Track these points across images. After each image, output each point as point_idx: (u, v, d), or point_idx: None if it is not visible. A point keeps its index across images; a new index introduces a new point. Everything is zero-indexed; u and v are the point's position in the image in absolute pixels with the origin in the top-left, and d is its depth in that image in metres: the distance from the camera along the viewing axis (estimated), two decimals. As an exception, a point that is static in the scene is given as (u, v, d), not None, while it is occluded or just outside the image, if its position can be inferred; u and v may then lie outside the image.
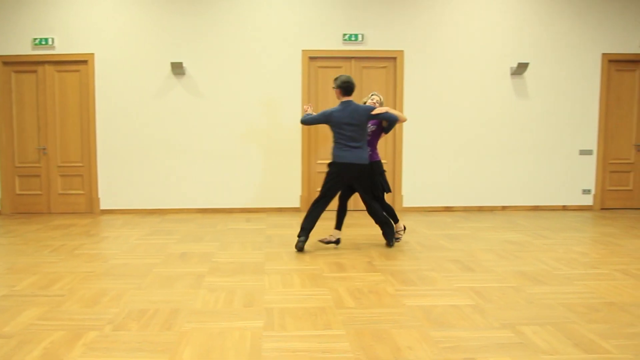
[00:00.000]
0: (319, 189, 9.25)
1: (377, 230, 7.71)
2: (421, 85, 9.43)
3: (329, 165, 6.51)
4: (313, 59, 9.35)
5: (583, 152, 9.81)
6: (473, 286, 5.02)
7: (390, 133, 9.44)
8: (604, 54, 9.75)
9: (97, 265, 5.76)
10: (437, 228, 7.96)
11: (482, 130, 9.59)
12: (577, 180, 9.85)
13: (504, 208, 9.73)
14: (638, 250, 6.68)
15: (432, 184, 9.57)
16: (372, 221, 8.42)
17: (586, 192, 9.89)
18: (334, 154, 6.42)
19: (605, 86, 9.79)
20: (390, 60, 9.46)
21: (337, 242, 6.72)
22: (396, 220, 6.89)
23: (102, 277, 5.32)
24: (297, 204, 9.43)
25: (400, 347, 3.60)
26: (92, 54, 9.14)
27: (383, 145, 9.48)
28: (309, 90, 9.34)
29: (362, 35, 9.29)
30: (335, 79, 6.52)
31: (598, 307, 4.48)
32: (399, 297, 4.68)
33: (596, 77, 9.77)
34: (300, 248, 6.41)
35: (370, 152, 6.60)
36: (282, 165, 9.37)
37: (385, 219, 6.69)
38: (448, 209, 9.60)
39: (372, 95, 6.80)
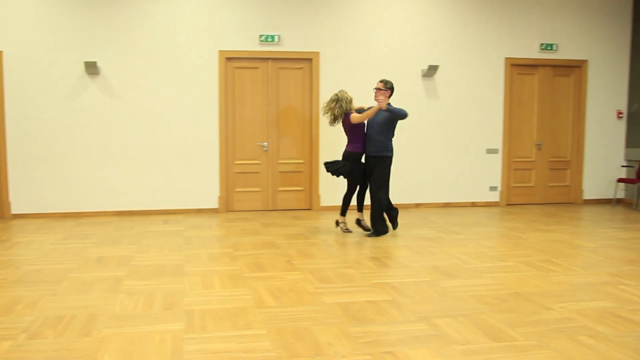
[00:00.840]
0: (238, 189, 9.23)
1: (295, 230, 7.76)
2: (337, 86, 9.53)
3: (390, 160, 7.29)
4: (230, 59, 9.29)
5: (489, 151, 10.18)
6: (389, 282, 5.13)
7: (307, 134, 9.51)
8: (507, 58, 10.15)
9: (9, 272, 5.54)
10: (353, 226, 8.06)
11: (397, 130, 9.78)
12: (485, 178, 10.21)
13: (417, 205, 9.97)
14: (540, 242, 6.99)
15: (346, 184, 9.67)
16: (290, 221, 8.47)
17: (493, 189, 10.27)
18: (391, 147, 7.28)
19: (508, 89, 10.20)
20: (307, 62, 9.52)
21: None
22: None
23: (15, 284, 5.12)
24: (215, 205, 9.35)
25: (321, 343, 3.64)
26: (1, 51, 8.75)
27: (300, 145, 9.54)
28: (226, 91, 9.27)
29: (279, 37, 9.31)
30: (386, 82, 7.23)
31: (505, 298, 4.67)
32: (318, 294, 4.73)
33: (500, 80, 10.16)
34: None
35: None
36: (200, 166, 9.26)
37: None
38: (364, 208, 9.74)
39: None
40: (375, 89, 7.27)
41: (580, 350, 3.57)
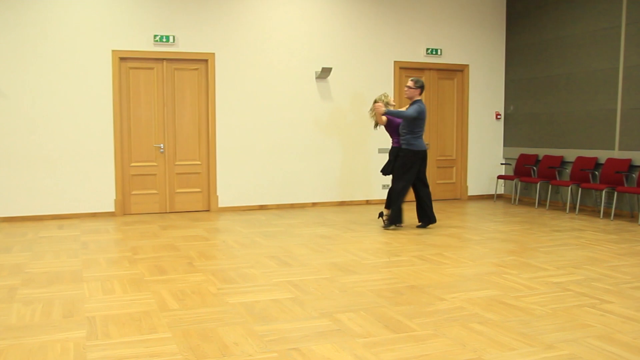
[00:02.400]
0: (135, 191, 8.99)
1: (194, 231, 7.65)
2: (233, 87, 9.49)
3: (410, 153, 7.64)
4: (124, 59, 9.02)
5: (382, 151, 10.42)
6: (291, 280, 5.17)
7: (204, 135, 9.40)
8: (396, 62, 10.46)
9: None
10: (252, 226, 8.06)
11: (292, 130, 9.86)
12: (378, 177, 10.39)
13: (314, 204, 10.08)
14: (431, 237, 7.27)
15: (246, 184, 9.67)
16: (189, 222, 8.34)
17: (385, 187, 10.51)
18: (418, 144, 7.65)
19: (398, 91, 10.49)
20: (202, 62, 9.40)
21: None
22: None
23: None
24: (111, 208, 9.04)
25: (227, 343, 3.62)
26: None
27: (197, 146, 9.41)
28: (121, 92, 8.99)
29: (174, 37, 9.13)
30: (416, 81, 7.71)
31: (402, 291, 4.82)
32: (222, 295, 4.70)
33: (390, 82, 10.45)
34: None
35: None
36: (94, 169, 8.92)
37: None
38: (262, 208, 9.76)
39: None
40: (406, 87, 7.80)
41: (472, 336, 3.75)
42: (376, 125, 8.10)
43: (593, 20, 9.53)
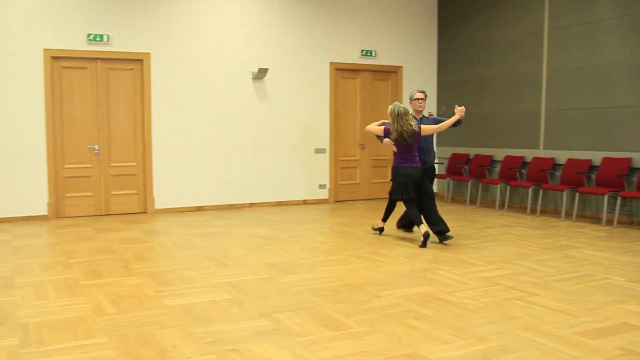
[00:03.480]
0: (69, 194, 8.75)
1: (130, 234, 7.50)
2: (169, 88, 9.34)
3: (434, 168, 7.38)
4: (56, 58, 8.74)
5: (318, 151, 10.49)
6: (229, 281, 5.14)
7: (139, 136, 9.23)
8: (331, 63, 10.52)
9: None
10: (190, 228, 7.96)
11: (229, 131, 9.79)
12: (314, 176, 10.51)
13: (251, 205, 10.03)
14: (367, 236, 7.34)
15: (183, 185, 9.53)
16: (125, 225, 8.18)
17: (322, 186, 10.60)
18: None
19: (333, 91, 10.57)
20: (137, 62, 9.21)
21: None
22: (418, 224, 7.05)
23: None
24: (44, 212, 8.76)
25: (166, 346, 3.57)
26: None
27: (133, 147, 9.22)
28: (53, 92, 8.71)
29: (108, 36, 8.91)
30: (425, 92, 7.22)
31: (339, 289, 4.86)
32: (159, 298, 4.62)
33: (326, 83, 10.51)
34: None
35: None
36: (26, 171, 8.61)
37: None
38: (200, 209, 9.65)
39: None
40: (420, 99, 7.11)
41: (408, 331, 3.81)
42: (411, 136, 6.76)
43: (519, 25, 9.83)
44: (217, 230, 7.78)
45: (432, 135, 7.11)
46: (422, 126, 6.78)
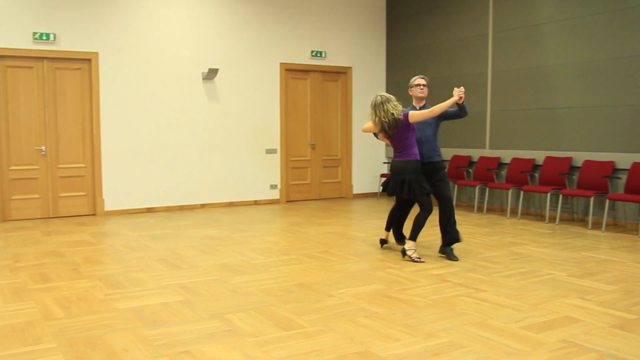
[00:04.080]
0: (15, 196, 8.51)
1: (79, 236, 7.34)
2: (118, 88, 9.17)
3: (443, 163, 6.26)
4: (1, 57, 8.46)
5: (269, 151, 10.46)
6: (180, 282, 5.08)
7: (88, 137, 9.04)
8: (282, 63, 10.51)
9: None
10: (141, 229, 7.84)
11: (179, 132, 9.67)
12: (266, 177, 10.48)
13: (202, 206, 9.94)
14: (318, 235, 7.36)
15: (133, 186, 9.37)
16: (73, 227, 8.00)
17: (273, 187, 10.58)
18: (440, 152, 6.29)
19: (284, 92, 10.57)
20: (85, 62, 9.01)
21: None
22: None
23: None
24: (-12, 215, 8.51)
25: (116, 350, 3.51)
26: None
27: (81, 148, 9.02)
28: (-4, 95, 8.48)
29: (54, 35, 8.68)
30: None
31: (291, 289, 4.86)
32: (110, 301, 4.54)
33: (276, 83, 10.49)
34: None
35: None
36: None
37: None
38: (150, 210, 9.50)
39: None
40: (421, 85, 6.16)
41: (359, 330, 3.84)
42: (393, 127, 5.90)
43: (464, 27, 10.01)
44: (168, 231, 7.69)
45: (433, 125, 6.13)
46: (410, 112, 5.85)
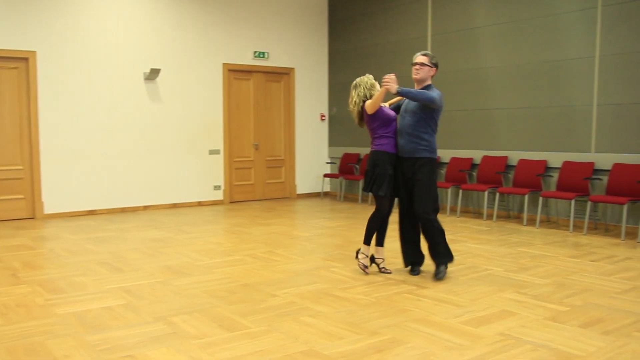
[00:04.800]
0: None
1: (18, 240, 7.11)
2: (57, 88, 8.90)
3: (434, 162, 5.22)
4: None
5: (212, 152, 10.37)
6: (123, 286, 4.99)
7: (25, 138, 8.75)
8: (224, 64, 10.43)
9: None
10: (82, 232, 7.66)
11: (121, 133, 9.47)
12: (209, 178, 10.38)
13: (145, 208, 9.77)
14: (262, 236, 7.35)
15: (74, 189, 9.13)
16: (12, 231, 7.75)
17: (217, 188, 10.49)
18: (432, 146, 5.18)
19: (227, 92, 10.49)
20: (22, 61, 8.70)
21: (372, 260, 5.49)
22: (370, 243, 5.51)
23: None
24: None
25: (57, 357, 3.42)
26: None
27: (19, 149, 8.73)
28: None
29: (-12, 38, 8.40)
30: (432, 56, 5.31)
31: (235, 290, 4.84)
32: (50, 306, 4.42)
33: (219, 84, 10.40)
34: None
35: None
36: None
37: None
38: (91, 213, 9.28)
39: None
40: (418, 64, 5.26)
41: (303, 329, 3.86)
42: (362, 118, 5.37)
43: (404, 29, 10.16)
44: (110, 234, 7.53)
45: (418, 113, 5.15)
46: (366, 102, 5.30)
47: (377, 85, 5.39)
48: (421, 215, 5.17)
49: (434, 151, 5.17)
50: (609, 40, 7.55)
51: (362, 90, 5.36)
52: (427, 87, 5.22)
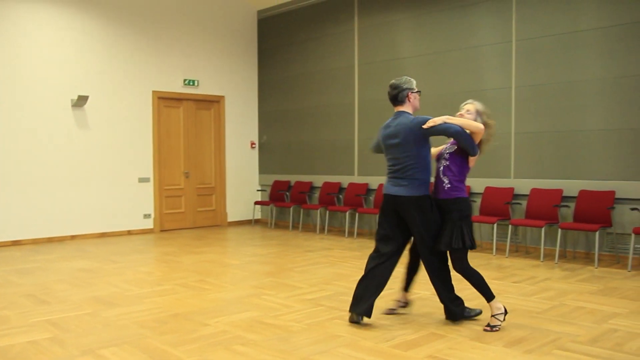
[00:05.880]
0: None
1: None
2: (-23, 119, 8.59)
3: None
4: None
5: (142, 180, 10.18)
6: (49, 318, 4.82)
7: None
8: (154, 91, 10.32)
9: None
10: (5, 264, 7.34)
11: (47, 160, 9.16)
12: (139, 206, 10.17)
13: (73, 237, 9.45)
14: (193, 264, 7.25)
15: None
16: None
17: (147, 216, 10.29)
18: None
19: (156, 120, 10.36)
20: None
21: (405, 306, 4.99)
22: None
23: None
24: None
25: (-22, 395, 3.27)
26: None
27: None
28: None
29: None
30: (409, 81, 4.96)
31: (166, 320, 4.76)
32: (-30, 342, 4.22)
33: (149, 111, 10.26)
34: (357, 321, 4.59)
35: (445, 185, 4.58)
36: None
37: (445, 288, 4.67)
38: (16, 243, 8.90)
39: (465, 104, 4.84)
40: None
41: (236, 357, 3.83)
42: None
43: (333, 59, 10.36)
44: (36, 265, 7.25)
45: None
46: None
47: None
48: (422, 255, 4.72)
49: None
50: (523, 72, 7.93)
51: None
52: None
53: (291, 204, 10.62)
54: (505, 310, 4.50)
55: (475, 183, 8.31)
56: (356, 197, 9.70)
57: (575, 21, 7.48)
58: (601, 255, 7.23)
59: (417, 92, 4.98)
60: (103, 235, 9.79)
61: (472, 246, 4.52)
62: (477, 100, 4.87)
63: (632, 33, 7.01)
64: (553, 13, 7.65)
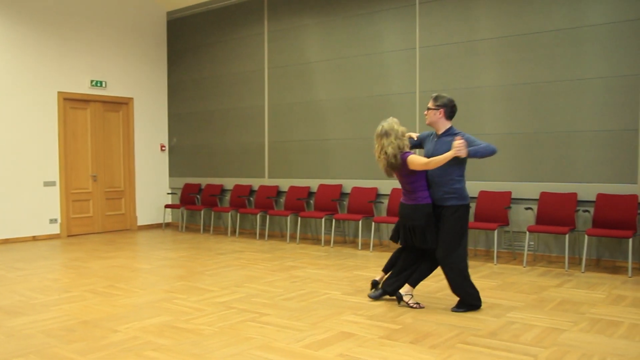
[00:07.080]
0: None
1: None
2: None
3: (467, 210, 5.03)
4: None
5: (47, 184, 9.78)
6: (-53, 331, 4.56)
7: None
8: (59, 92, 9.93)
9: None
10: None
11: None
12: (44, 211, 9.76)
13: (-30, 244, 8.97)
14: (102, 270, 7.04)
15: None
16: None
17: (53, 221, 9.88)
18: (467, 193, 5.06)
19: (62, 122, 9.97)
20: None
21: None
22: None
23: None
24: None
25: None
26: None
27: None
28: None
29: None
30: (437, 98, 5.03)
31: (74, 328, 4.61)
32: None
33: (54, 113, 9.87)
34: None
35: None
36: None
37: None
38: None
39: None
40: (427, 108, 5.08)
41: (147, 364, 3.77)
42: (391, 168, 5.07)
43: (243, 62, 10.33)
44: None
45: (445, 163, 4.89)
46: (410, 158, 4.98)
47: (407, 132, 5.17)
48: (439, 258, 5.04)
49: (465, 198, 5.01)
50: (426, 78, 8.22)
51: (394, 141, 5.00)
52: (450, 129, 5.06)
53: (202, 207, 10.51)
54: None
55: (383, 185, 8.51)
56: (267, 199, 9.72)
57: (473, 30, 7.83)
58: (500, 253, 7.61)
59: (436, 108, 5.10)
60: (6, 241, 9.31)
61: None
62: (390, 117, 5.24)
63: (525, 43, 7.42)
64: (453, 22, 7.98)
